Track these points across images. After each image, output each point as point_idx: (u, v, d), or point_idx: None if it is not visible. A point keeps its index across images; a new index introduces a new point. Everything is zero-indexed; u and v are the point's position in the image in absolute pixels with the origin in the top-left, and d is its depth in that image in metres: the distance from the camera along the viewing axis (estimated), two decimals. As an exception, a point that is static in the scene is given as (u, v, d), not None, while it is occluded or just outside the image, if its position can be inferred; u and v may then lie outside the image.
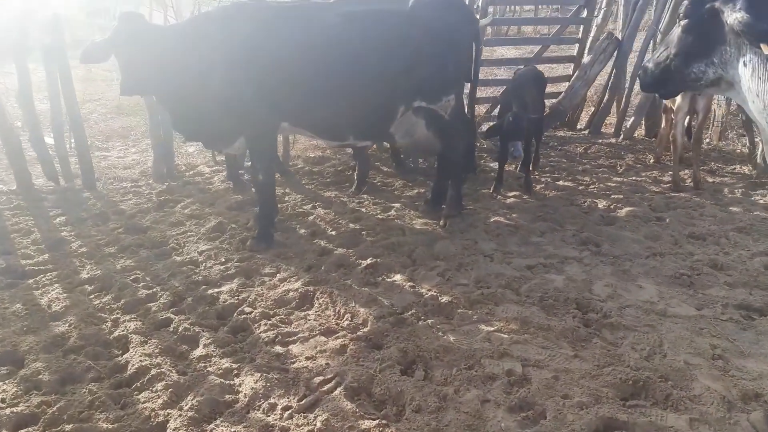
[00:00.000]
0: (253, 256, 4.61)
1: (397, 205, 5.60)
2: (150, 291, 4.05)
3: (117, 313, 3.82)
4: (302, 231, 5.09)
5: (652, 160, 6.84)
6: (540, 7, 18.43)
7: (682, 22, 2.87)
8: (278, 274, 4.30)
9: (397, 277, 4.17)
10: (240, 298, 3.96)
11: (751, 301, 3.72)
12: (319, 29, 4.46)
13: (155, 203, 5.81)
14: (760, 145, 6.16)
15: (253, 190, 6.00)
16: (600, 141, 7.78)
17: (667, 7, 7.32)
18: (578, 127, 8.59)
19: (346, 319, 3.66)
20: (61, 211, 5.60)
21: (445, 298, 3.79)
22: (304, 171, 6.80)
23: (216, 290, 4.09)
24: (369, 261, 4.38)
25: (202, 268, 4.44)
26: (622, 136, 7.75)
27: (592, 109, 8.48)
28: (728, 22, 2.68)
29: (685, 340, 3.28)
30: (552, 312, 3.68)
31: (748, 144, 6.39)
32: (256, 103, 4.45)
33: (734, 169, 6.43)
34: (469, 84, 5.55)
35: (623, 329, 3.44)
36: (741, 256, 4.37)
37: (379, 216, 5.37)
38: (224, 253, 4.66)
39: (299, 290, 3.98)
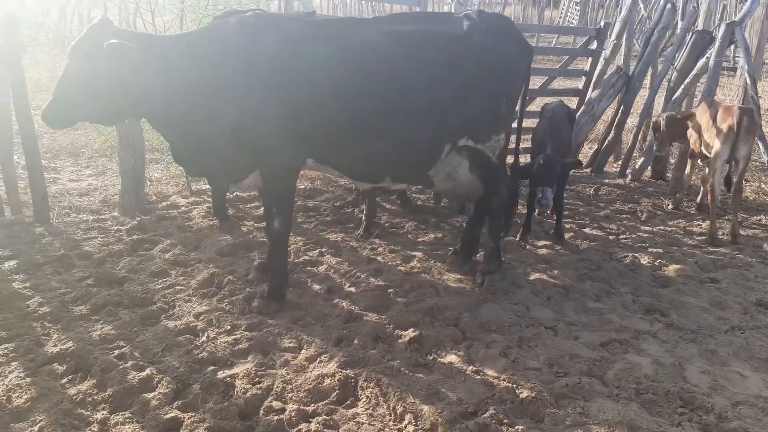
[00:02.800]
0: (263, 321, 3.75)
1: (418, 254, 4.86)
2: (143, 374, 3.13)
3: (104, 410, 2.89)
4: (316, 287, 4.27)
5: (670, 206, 6.41)
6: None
7: None
8: (302, 350, 3.47)
9: (452, 357, 3.43)
10: (263, 386, 3.11)
11: None
12: (357, 50, 3.69)
13: (127, 244, 4.82)
14: (789, 196, 5.83)
15: (240, 229, 5.18)
16: (607, 181, 7.32)
17: (685, 43, 6.99)
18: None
19: (409, 422, 2.87)
20: (10, 252, 4.54)
21: (524, 392, 3.07)
22: (297, 206, 5.95)
23: (228, 373, 3.21)
24: (412, 333, 3.62)
25: (204, 338, 3.54)
26: (630, 177, 7.33)
27: (595, 146, 8.05)
28: None
29: (833, 457, 2.71)
30: (656, 411, 3.03)
31: (775, 194, 6.07)
32: (279, 135, 3.62)
33: (760, 219, 6.08)
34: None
35: (752, 439, 2.83)
36: (827, 332, 3.89)
37: (401, 268, 4.61)
38: (228, 318, 3.78)
39: (337, 376, 3.16)
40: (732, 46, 7.67)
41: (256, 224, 5.40)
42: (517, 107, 4.52)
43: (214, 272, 4.33)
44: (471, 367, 3.33)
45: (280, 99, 3.53)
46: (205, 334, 3.59)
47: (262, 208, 5.72)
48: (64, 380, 3.11)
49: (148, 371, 3.15)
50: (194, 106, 3.55)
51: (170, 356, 3.35)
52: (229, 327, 3.67)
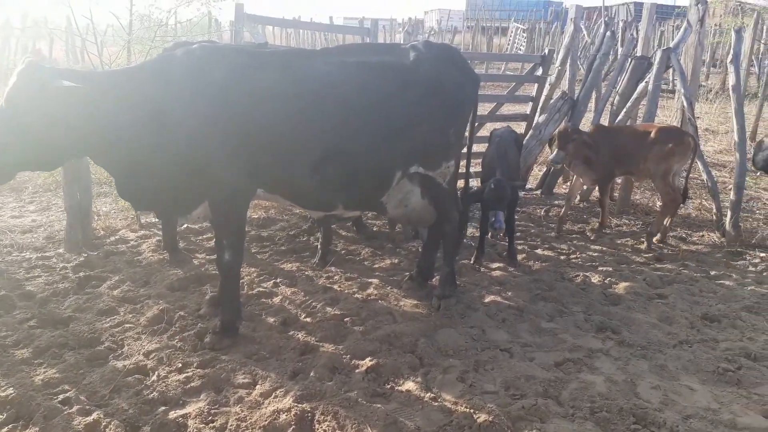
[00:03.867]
0: (216, 357, 3.66)
1: (374, 280, 4.84)
2: (90, 419, 2.99)
3: (45, 461, 2.75)
4: (271, 319, 4.19)
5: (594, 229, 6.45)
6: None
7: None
8: (257, 385, 3.39)
9: (410, 385, 3.41)
10: (217, 425, 3.02)
11: (813, 403, 3.33)
12: (306, 81, 3.71)
13: (73, 282, 4.65)
14: (729, 212, 6.08)
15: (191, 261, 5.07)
16: (557, 203, 7.49)
17: (625, 68, 7.28)
18: (528, 186, 8.32)
19: (367, 454, 2.83)
20: (-55, 295, 4.32)
21: (482, 416, 3.07)
22: (251, 236, 5.88)
23: (180, 413, 3.11)
24: (369, 362, 3.59)
25: (154, 378, 3.42)
26: (578, 198, 7.52)
27: (544, 168, 8.25)
28: None
29: (779, 465, 2.79)
30: (611, 429, 3.07)
31: (715, 211, 6.31)
32: (227, 166, 3.58)
33: (702, 236, 6.31)
34: None
35: (703, 452, 2.89)
36: (768, 343, 4.04)
37: (357, 296, 4.59)
38: (179, 355, 3.67)
39: (293, 411, 3.09)
40: (670, 71, 8.02)
41: (207, 257, 5.30)
42: (467, 133, 4.61)
43: (164, 308, 4.21)
44: (429, 394, 3.32)
45: (227, 130, 3.50)
46: (156, 373, 3.47)
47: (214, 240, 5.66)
48: (5, 429, 2.95)
49: (95, 415, 3.02)
50: (140, 141, 3.48)
51: (119, 398, 3.22)
52: (180, 364, 3.56)
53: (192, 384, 3.36)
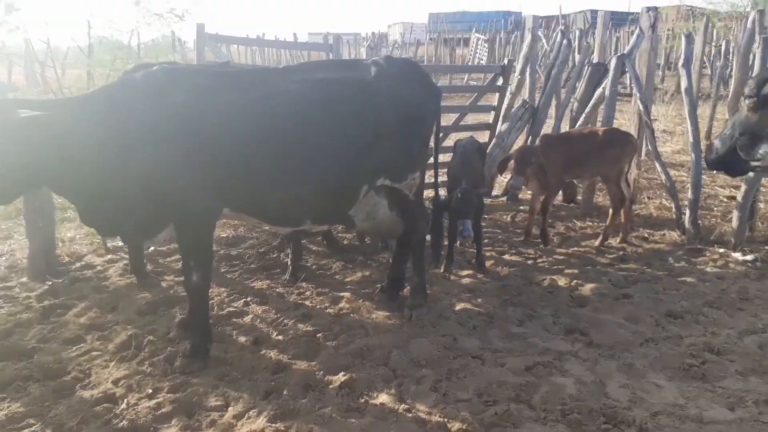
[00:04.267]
0: (187, 381, 3.62)
1: (345, 294, 4.85)
2: (56, 452, 2.93)
3: (11, 498, 2.68)
4: (242, 339, 4.16)
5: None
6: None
7: (747, 101, 2.58)
8: (229, 407, 3.36)
9: (384, 398, 3.42)
10: (189, 450, 2.98)
11: (773, 393, 3.44)
12: (269, 99, 3.72)
13: (38, 311, 4.55)
14: (687, 211, 6.26)
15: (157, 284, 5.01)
16: (522, 208, 7.60)
17: (582, 76, 7.47)
18: (494, 193, 8.43)
19: (343, 470, 2.83)
20: None
21: (455, 425, 3.10)
22: (219, 255, 5.82)
23: (152, 440, 3.07)
24: (342, 377, 3.59)
25: (124, 406, 3.37)
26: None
27: (509, 175, 8.37)
28: None
29: (744, 455, 2.87)
30: (582, 430, 3.13)
31: (674, 210, 6.48)
32: (191, 187, 3.57)
33: (664, 234, 6.47)
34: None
35: (671, 447, 2.96)
36: (730, 337, 4.15)
37: (329, 310, 4.58)
38: (149, 381, 3.62)
39: (266, 431, 3.08)
40: (627, 76, 8.23)
41: (176, 278, 5.24)
42: (432, 144, 4.68)
43: (132, 333, 4.15)
44: (403, 406, 3.34)
45: (189, 151, 3.48)
46: (125, 400, 3.42)
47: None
48: (-32, 468, 2.87)
49: (62, 447, 2.96)
50: (102, 168, 3.44)
51: (87, 429, 3.16)
52: (150, 390, 3.51)
53: (163, 410, 3.32)
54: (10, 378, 3.61)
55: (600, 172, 6.17)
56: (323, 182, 3.85)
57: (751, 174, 5.60)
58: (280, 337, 4.18)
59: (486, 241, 6.27)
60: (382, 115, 3.97)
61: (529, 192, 8.09)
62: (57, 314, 4.55)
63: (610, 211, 6.24)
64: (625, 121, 10.52)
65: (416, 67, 4.59)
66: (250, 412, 3.28)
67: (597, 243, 6.10)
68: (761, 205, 6.73)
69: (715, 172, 8.25)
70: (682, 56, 6.87)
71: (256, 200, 3.81)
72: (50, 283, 5.08)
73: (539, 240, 6.24)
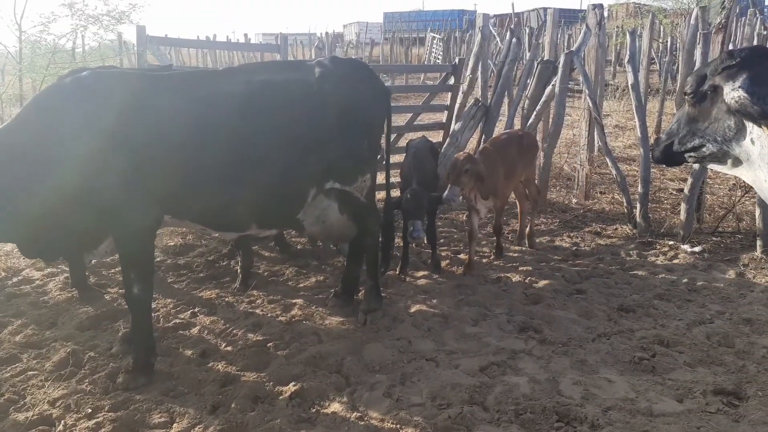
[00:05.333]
0: (130, 398, 3.45)
1: (298, 301, 4.74)
2: (-16, 483, 2.75)
3: None
4: (188, 352, 4.01)
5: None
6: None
7: (687, 97, 2.60)
8: (174, 424, 3.22)
9: (336, 406, 3.33)
10: (129, 472, 2.83)
11: (721, 382, 3.48)
12: (207, 101, 3.60)
13: (-30, 331, 4.30)
14: (638, 205, 6.36)
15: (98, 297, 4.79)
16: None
17: (533, 73, 7.52)
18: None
19: (292, 484, 2.73)
20: None
21: (408, 431, 3.03)
22: (166, 265, 5.63)
23: (89, 464, 2.90)
24: (293, 387, 3.48)
25: (61, 428, 3.19)
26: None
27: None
28: (726, 100, 2.43)
29: (693, 448, 2.89)
30: (535, 430, 3.10)
31: (626, 204, 6.58)
32: (127, 195, 3.41)
33: (616, 229, 6.56)
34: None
35: (623, 442, 2.96)
36: (679, 328, 4.21)
37: (281, 318, 4.47)
38: (89, 400, 3.43)
39: (213, 446, 2.95)
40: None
41: (120, 290, 5.02)
42: (383, 144, 4.61)
43: (72, 350, 3.95)
44: (355, 414, 3.25)
45: (123, 158, 3.33)
46: (62, 422, 3.23)
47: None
48: None
49: (-9, 477, 2.77)
50: (38, 192, 3.28)
51: (20, 454, 2.98)
52: (90, 410, 3.33)
53: (103, 430, 3.15)
54: (-63, 404, 3.38)
55: (525, 175, 5.94)
56: (267, 186, 3.75)
57: (695, 166, 5.75)
58: (228, 348, 4.04)
59: (441, 241, 6.24)
60: (326, 117, 3.89)
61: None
62: (-9, 333, 4.31)
63: (521, 210, 6.21)
64: (577, 117, 10.70)
65: (363, 68, 4.52)
66: (196, 428, 3.15)
67: (519, 244, 6.08)
68: (708, 197, 6.89)
69: (662, 166, 8.50)
70: (628, 52, 6.98)
71: (198, 206, 3.67)
72: (-16, 300, 4.82)
73: (492, 237, 6.24)
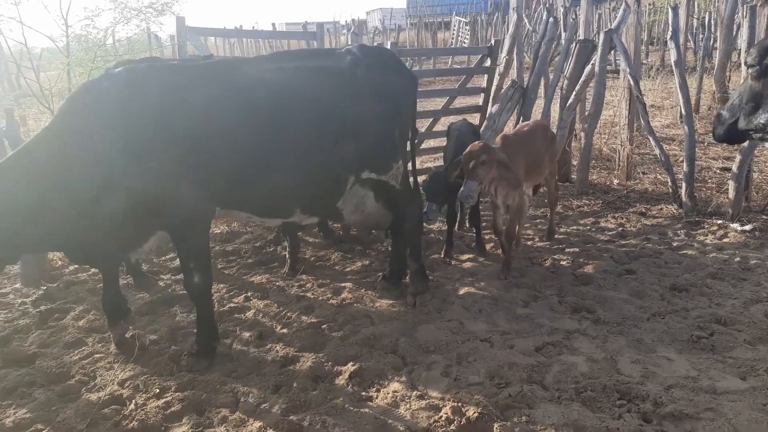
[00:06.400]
0: (194, 379, 3.56)
1: (347, 284, 4.80)
2: (66, 458, 2.87)
3: (24, 507, 2.61)
4: (246, 334, 4.10)
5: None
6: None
7: (750, 70, 2.55)
8: (239, 403, 3.31)
9: (395, 385, 3.38)
10: (203, 449, 2.93)
11: (783, 360, 3.45)
12: (246, 90, 3.62)
13: (35, 317, 4.46)
14: (683, 184, 6.26)
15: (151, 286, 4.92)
16: (518, 189, 7.58)
17: (571, 53, 7.42)
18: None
19: (361, 460, 2.79)
20: None
21: (470, 409, 3.06)
22: (215, 252, 5.75)
23: (163, 441, 3.01)
24: (351, 367, 3.55)
25: (132, 407, 3.31)
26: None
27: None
28: None
29: (761, 424, 2.87)
30: (597, 407, 3.11)
31: (670, 183, 6.48)
32: (181, 189, 3.47)
33: (661, 209, 6.48)
34: None
35: (687, 419, 2.95)
36: (735, 307, 4.16)
37: (332, 301, 4.53)
38: (155, 381, 3.55)
39: (280, 425, 3.03)
40: (613, 52, 8.21)
41: (173, 276, 5.16)
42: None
43: (135, 334, 4.08)
44: (415, 392, 3.30)
45: (173, 152, 3.38)
46: (133, 401, 3.35)
47: (178, 260, 5.50)
48: (-24, 479, 2.80)
49: (72, 453, 2.90)
50: (87, 201, 3.34)
51: (96, 431, 3.10)
52: (158, 390, 3.45)
53: (172, 408, 3.26)
54: (14, 385, 3.53)
55: (549, 170, 5.50)
56: (308, 172, 3.79)
57: (745, 144, 5.63)
58: (284, 331, 4.13)
59: (484, 224, 6.24)
60: (359, 105, 3.91)
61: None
62: (55, 318, 4.47)
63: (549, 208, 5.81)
64: (612, 97, 10.54)
65: (391, 55, 4.53)
66: (262, 406, 3.24)
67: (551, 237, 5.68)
68: (755, 175, 6.74)
69: (707, 143, 8.35)
70: (670, 29, 6.85)
71: (243, 194, 3.71)
72: (45, 287, 5.00)
73: (536, 220, 6.22)
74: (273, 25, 29.88)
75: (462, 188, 4.34)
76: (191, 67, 3.73)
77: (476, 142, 4.64)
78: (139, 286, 4.94)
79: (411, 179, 4.72)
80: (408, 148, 4.48)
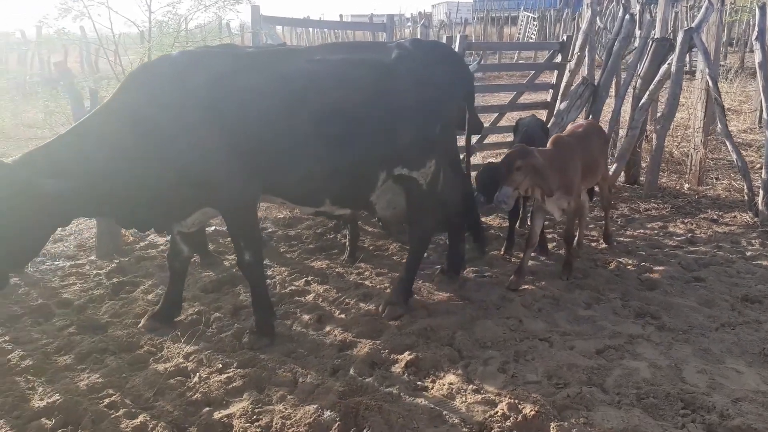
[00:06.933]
0: (255, 356, 3.67)
1: (405, 275, 4.82)
2: (136, 421, 3.02)
3: (97, 465, 2.77)
4: (305, 317, 4.20)
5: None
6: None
7: None
8: (298, 383, 3.39)
9: (451, 378, 3.39)
10: (262, 424, 3.02)
11: None
12: (287, 78, 3.70)
13: (108, 288, 4.70)
14: (761, 192, 5.97)
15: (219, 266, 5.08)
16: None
17: (646, 51, 7.18)
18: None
19: (415, 449, 2.82)
20: (-15, 306, 4.38)
21: (527, 407, 3.03)
22: (278, 236, 5.89)
23: (225, 413, 3.12)
24: (408, 356, 3.57)
25: (196, 379, 3.44)
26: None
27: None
28: None
29: (837, 446, 2.72)
30: (659, 415, 3.03)
31: (747, 190, 6.19)
32: (230, 169, 3.59)
33: (734, 216, 6.20)
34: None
35: (757, 435, 2.84)
36: (813, 322, 3.95)
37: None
38: (218, 356, 3.68)
39: (336, 407, 3.09)
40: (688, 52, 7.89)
41: (238, 258, 5.31)
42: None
43: (200, 310, 4.24)
44: (471, 386, 3.30)
45: (219, 133, 3.51)
46: (197, 374, 3.49)
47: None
48: (55, 436, 2.98)
49: (141, 418, 3.04)
50: (139, 170, 3.51)
51: (163, 400, 3.25)
52: (221, 365, 3.58)
53: (234, 384, 3.37)
54: (88, 350, 3.74)
55: (602, 173, 5.24)
56: (338, 163, 3.79)
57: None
58: (342, 316, 4.19)
59: (547, 222, 6.12)
60: (400, 99, 3.89)
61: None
62: (126, 291, 4.69)
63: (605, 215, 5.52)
64: (686, 99, 10.12)
65: (446, 50, 4.51)
66: (319, 388, 3.31)
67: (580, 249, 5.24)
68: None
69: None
70: (756, 29, 6.51)
71: (280, 179, 3.78)
72: (117, 261, 5.25)
73: (602, 221, 6.06)
74: (340, 16, 30.16)
75: (497, 193, 4.18)
76: (242, 54, 3.84)
77: (515, 147, 4.42)
78: (205, 265, 5.12)
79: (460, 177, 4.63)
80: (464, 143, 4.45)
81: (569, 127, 5.65)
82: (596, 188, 5.63)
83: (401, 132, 3.91)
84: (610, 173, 7.34)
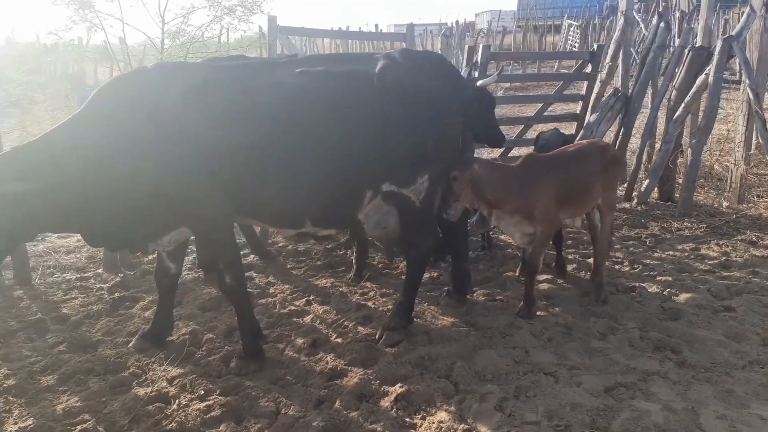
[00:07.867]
0: (240, 383, 3.50)
1: (410, 297, 4.59)
2: (103, 453, 2.89)
3: (54, 499, 2.64)
4: (299, 340, 4.01)
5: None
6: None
7: None
8: (279, 415, 3.21)
9: (442, 415, 3.14)
10: (233, 460, 2.84)
11: None
12: (264, 92, 3.51)
13: (108, 303, 4.64)
14: (805, 213, 5.50)
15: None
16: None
17: (682, 61, 6.77)
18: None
19: (390, 496, 2.58)
20: (-16, 320, 4.37)
21: (519, 452, 2.77)
22: (287, 251, 5.75)
23: (197, 446, 2.96)
24: (399, 389, 3.34)
25: (175, 406, 3.29)
26: (636, 201, 7.04)
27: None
28: None
29: None
30: (668, 468, 2.71)
31: (789, 211, 5.74)
32: (204, 185, 3.40)
33: (776, 238, 5.74)
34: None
35: (779, 497, 2.49)
36: None
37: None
38: (202, 381, 3.53)
39: (314, 443, 2.89)
40: (737, 61, 7.42)
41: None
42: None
43: (193, 330, 4.11)
44: (462, 426, 3.04)
45: (188, 148, 3.33)
46: (177, 401, 3.34)
47: (251, 256, 5.54)
48: (19, 463, 2.87)
49: (109, 448, 2.91)
50: (102, 181, 3.30)
51: (137, 429, 3.10)
52: (203, 392, 3.42)
53: (212, 413, 3.21)
54: (74, 371, 3.64)
55: (604, 200, 4.49)
56: (316, 182, 3.59)
57: None
58: (338, 340, 3.99)
59: (568, 242, 5.80)
60: (384, 113, 3.66)
61: (620, 188, 7.50)
62: (125, 306, 4.62)
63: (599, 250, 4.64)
64: (731, 110, 9.57)
65: (439, 62, 4.27)
66: (300, 422, 3.11)
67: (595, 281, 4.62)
68: None
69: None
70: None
71: (251, 199, 3.58)
72: (122, 275, 5.20)
73: (628, 242, 5.69)
74: (376, 26, 30.21)
75: (440, 203, 3.98)
76: (218, 67, 3.70)
77: (458, 158, 4.06)
78: (209, 281, 5.01)
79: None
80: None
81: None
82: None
83: (387, 146, 3.69)
84: (643, 189, 6.96)
